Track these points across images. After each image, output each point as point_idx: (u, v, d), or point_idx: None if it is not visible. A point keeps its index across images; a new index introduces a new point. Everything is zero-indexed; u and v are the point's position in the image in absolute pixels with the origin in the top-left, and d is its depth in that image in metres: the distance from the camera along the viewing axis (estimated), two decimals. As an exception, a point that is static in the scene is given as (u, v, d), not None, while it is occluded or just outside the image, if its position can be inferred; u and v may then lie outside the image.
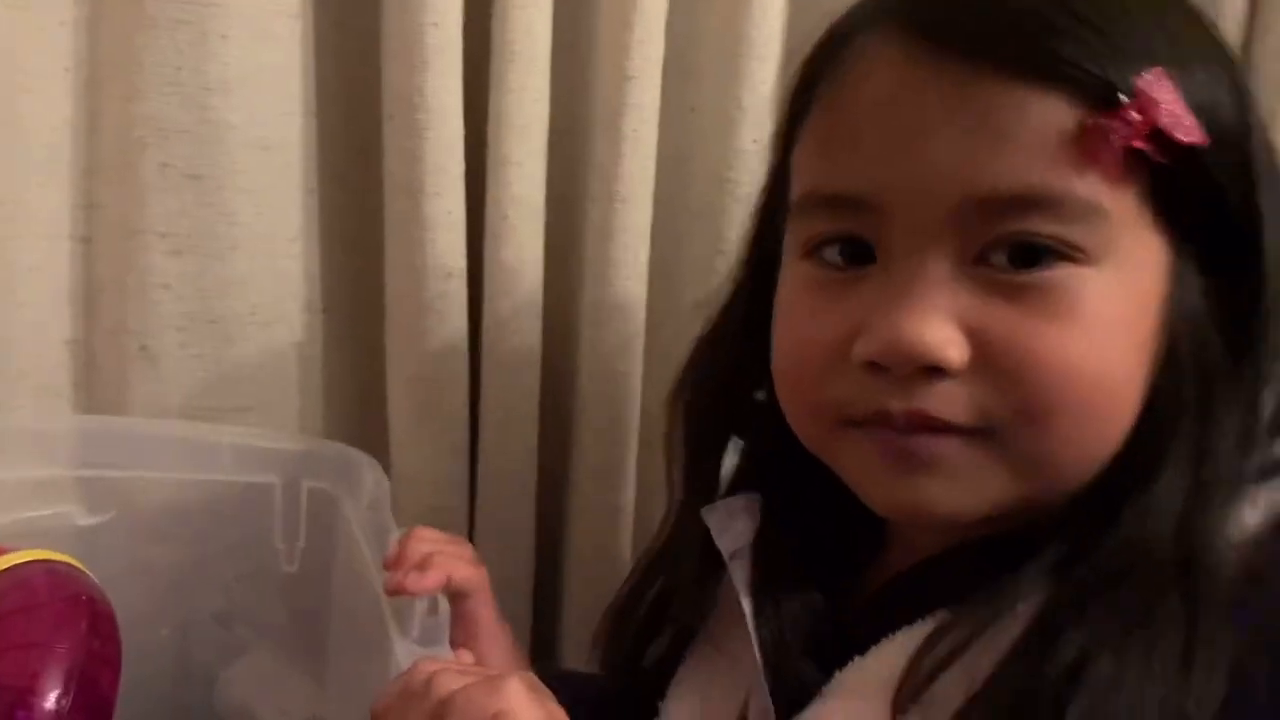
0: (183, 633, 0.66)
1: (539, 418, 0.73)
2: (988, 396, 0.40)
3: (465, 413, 0.71)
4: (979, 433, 0.40)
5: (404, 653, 0.45)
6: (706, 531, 0.49)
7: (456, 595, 0.50)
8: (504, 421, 0.72)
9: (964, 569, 0.42)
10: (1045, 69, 0.38)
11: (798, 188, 0.45)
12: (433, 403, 0.70)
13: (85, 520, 0.59)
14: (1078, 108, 0.38)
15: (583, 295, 0.73)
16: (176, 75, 0.64)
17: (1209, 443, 0.40)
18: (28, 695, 0.44)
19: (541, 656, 0.75)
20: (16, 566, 0.48)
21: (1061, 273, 0.39)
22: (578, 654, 0.73)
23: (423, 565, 0.48)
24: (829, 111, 0.43)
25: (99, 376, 0.69)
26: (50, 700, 0.44)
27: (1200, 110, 0.38)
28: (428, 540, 0.52)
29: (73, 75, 0.66)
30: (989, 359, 0.39)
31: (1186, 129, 0.38)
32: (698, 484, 0.53)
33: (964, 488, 0.41)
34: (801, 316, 0.44)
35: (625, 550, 0.75)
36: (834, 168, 0.42)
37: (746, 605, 0.45)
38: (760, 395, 0.50)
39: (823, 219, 0.43)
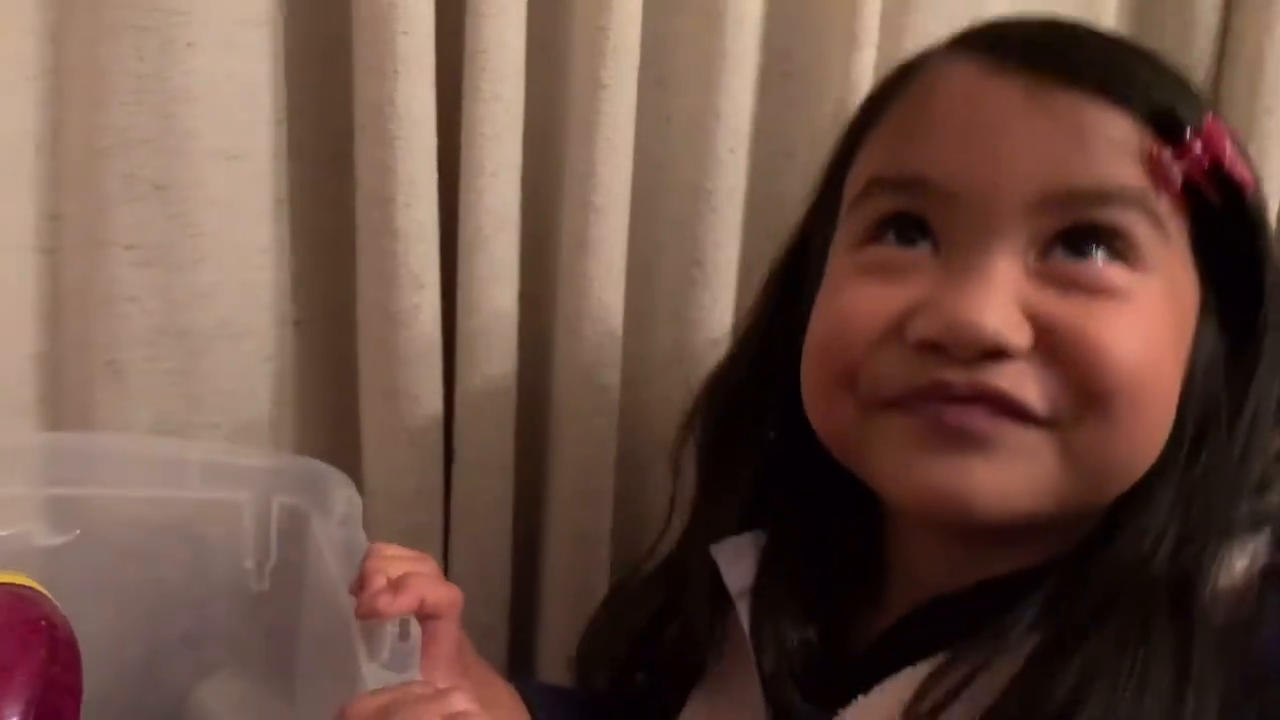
0: (151, 653, 0.65)
1: (514, 430, 0.72)
2: (1052, 382, 0.40)
3: (440, 426, 0.70)
4: (1042, 422, 0.41)
5: (372, 677, 0.44)
6: (714, 568, 0.49)
7: (427, 616, 0.49)
8: (479, 435, 0.71)
9: (969, 608, 0.43)
10: (1122, 88, 0.41)
11: (863, 176, 0.46)
12: (406, 416, 0.69)
13: (48, 540, 0.57)
14: (1148, 132, 0.41)
15: (558, 306, 0.72)
16: (141, 84, 0.63)
17: (1203, 483, 0.41)
18: (-15, 725, 0.42)
19: (518, 671, 0.74)
20: (-26, 591, 0.47)
21: (1117, 269, 0.42)
22: (554, 669, 0.73)
23: (396, 586, 0.47)
24: (904, 113, 0.45)
25: (65, 392, 0.67)
26: (10, 729, 0.42)
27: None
28: (393, 559, 0.50)
29: (36, 84, 0.64)
30: (1053, 345, 0.41)
31: (1243, 169, 0.42)
32: (709, 521, 0.53)
33: (1014, 474, 0.41)
34: (849, 294, 0.44)
35: (603, 563, 0.74)
36: (908, 153, 0.44)
37: (750, 644, 0.46)
38: (772, 434, 0.51)
39: (888, 199, 0.44)
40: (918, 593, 0.46)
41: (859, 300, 0.43)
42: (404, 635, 0.45)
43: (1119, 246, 0.41)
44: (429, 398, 0.69)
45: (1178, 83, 0.43)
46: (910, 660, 0.42)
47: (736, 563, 0.49)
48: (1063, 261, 0.41)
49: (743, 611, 0.47)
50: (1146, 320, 0.41)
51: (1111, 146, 0.41)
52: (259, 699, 0.65)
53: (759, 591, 0.48)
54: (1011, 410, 0.40)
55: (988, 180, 0.41)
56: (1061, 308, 0.41)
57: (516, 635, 0.76)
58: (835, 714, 0.43)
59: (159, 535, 0.62)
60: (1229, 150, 0.41)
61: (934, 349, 0.41)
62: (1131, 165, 0.41)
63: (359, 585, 0.48)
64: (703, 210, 0.71)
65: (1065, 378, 0.41)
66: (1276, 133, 0.85)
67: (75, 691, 0.46)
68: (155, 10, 0.62)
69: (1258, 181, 0.43)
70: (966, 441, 0.40)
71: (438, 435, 0.70)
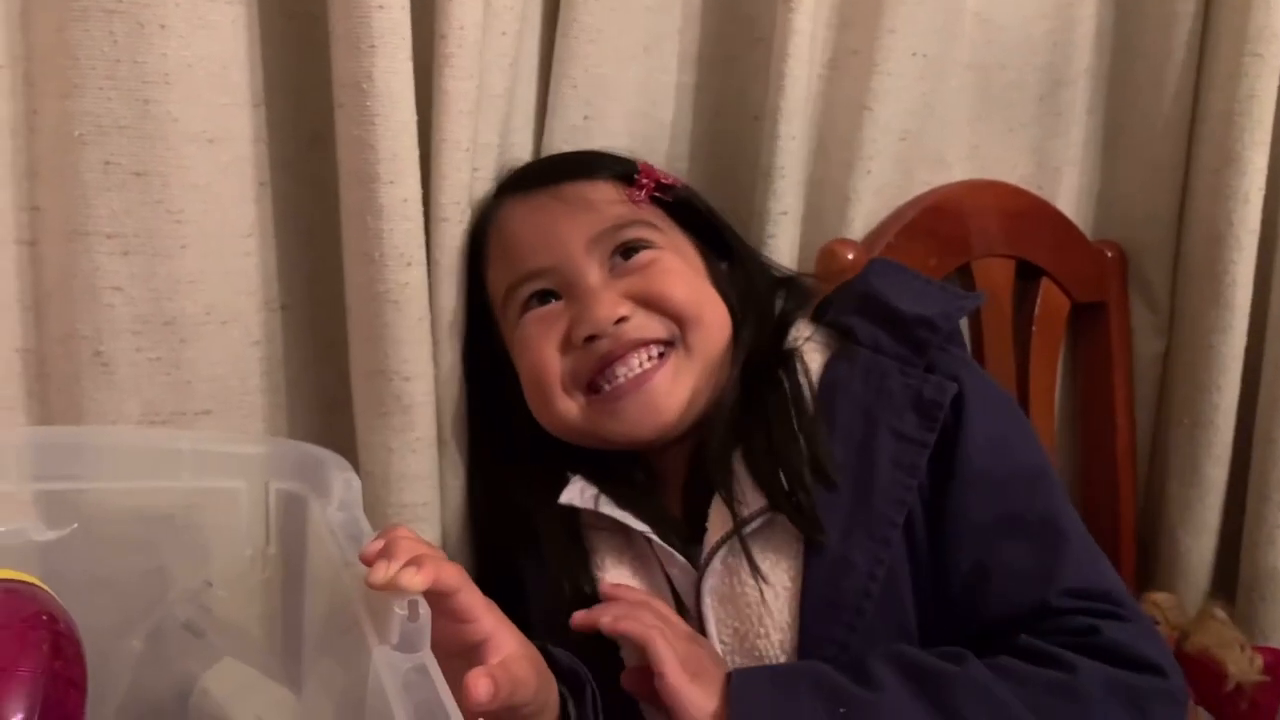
0: (154, 643, 0.64)
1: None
2: (657, 320, 0.67)
3: (431, 406, 0.70)
4: (668, 342, 0.67)
5: (383, 660, 0.43)
6: (565, 514, 0.67)
7: (441, 595, 0.49)
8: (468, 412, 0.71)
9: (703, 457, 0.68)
10: (595, 170, 0.71)
11: (501, 285, 0.70)
12: (396, 397, 0.68)
13: (44, 536, 0.57)
14: (618, 184, 0.70)
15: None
16: (114, 69, 0.62)
17: (750, 315, 0.71)
18: (-10, 721, 0.42)
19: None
20: (-26, 588, 0.46)
21: (650, 253, 0.69)
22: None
23: (415, 563, 0.47)
24: (498, 243, 0.70)
25: (52, 385, 0.67)
26: (15, 726, 0.42)
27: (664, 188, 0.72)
28: (412, 538, 0.50)
29: (6, 72, 0.63)
30: (644, 303, 0.67)
31: (671, 182, 0.72)
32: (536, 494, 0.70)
33: (677, 380, 0.67)
34: (536, 337, 0.68)
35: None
36: (516, 262, 0.69)
37: (625, 516, 0.66)
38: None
39: (524, 288, 0.69)
40: (675, 465, 0.70)
41: (543, 341, 0.67)
42: (413, 616, 0.45)
43: (642, 243, 0.69)
44: (419, 377, 0.69)
45: (616, 160, 0.72)
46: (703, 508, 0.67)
47: (575, 493, 0.68)
48: (622, 263, 0.68)
49: (603, 507, 0.67)
50: (677, 272, 0.69)
51: (608, 200, 0.69)
52: (264, 685, 0.65)
53: (605, 490, 0.68)
54: (650, 342, 0.67)
55: (561, 248, 0.68)
56: (635, 283, 0.67)
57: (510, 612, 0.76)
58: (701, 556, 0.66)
59: (156, 526, 0.61)
60: (657, 174, 0.71)
61: (591, 339, 0.66)
62: (622, 204, 0.69)
63: (378, 555, 0.48)
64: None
65: (660, 316, 0.67)
66: (1265, 74, 0.86)
67: (80, 685, 0.45)
68: (124, -8, 0.61)
69: (682, 183, 0.74)
70: (641, 379, 0.66)
71: (430, 414, 0.70)
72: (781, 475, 0.64)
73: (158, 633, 0.64)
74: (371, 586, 0.47)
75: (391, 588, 0.46)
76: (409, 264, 0.66)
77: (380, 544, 0.49)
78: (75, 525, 0.58)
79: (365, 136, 0.64)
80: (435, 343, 0.69)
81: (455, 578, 0.52)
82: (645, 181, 0.70)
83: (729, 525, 0.64)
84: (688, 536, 0.67)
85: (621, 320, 0.66)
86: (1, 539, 0.56)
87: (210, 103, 0.64)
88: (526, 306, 0.68)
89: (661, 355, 0.67)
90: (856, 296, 0.71)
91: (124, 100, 0.62)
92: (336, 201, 0.67)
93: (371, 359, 0.68)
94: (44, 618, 0.46)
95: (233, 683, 0.66)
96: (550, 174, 0.71)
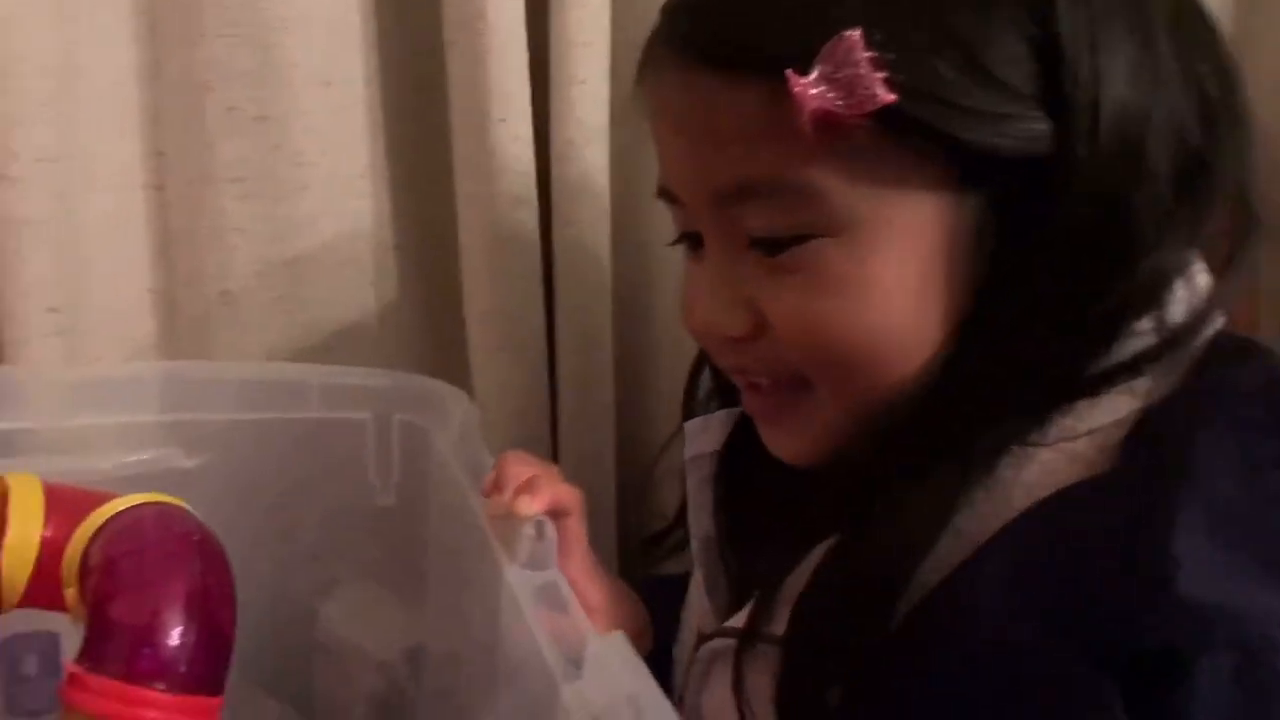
0: (281, 569, 0.67)
1: (614, 340, 0.73)
2: (789, 351, 0.43)
3: (543, 342, 0.71)
4: (804, 382, 0.44)
5: (515, 579, 0.45)
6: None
7: (557, 515, 0.51)
8: (581, 347, 0.72)
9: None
10: (732, 58, 0.40)
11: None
12: (510, 334, 0.70)
13: (184, 463, 0.60)
14: (772, 89, 0.39)
15: (655, 211, 0.72)
16: (237, 16, 0.63)
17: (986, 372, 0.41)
18: (150, 634, 0.44)
19: (626, 573, 0.75)
20: (128, 509, 0.49)
21: (804, 249, 0.41)
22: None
23: (528, 488, 0.48)
24: (651, 122, 0.47)
25: (182, 325, 0.70)
26: (173, 637, 0.44)
27: (907, 64, 0.38)
28: (524, 462, 0.52)
29: (133, 22, 0.65)
30: (775, 331, 0.43)
31: (865, 90, 0.37)
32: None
33: (800, 434, 0.46)
34: (687, 290, 0.48)
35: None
36: (662, 174, 0.47)
37: (704, 501, 0.51)
38: None
39: (673, 213, 0.48)
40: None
41: (691, 312, 0.47)
42: (540, 535, 0.46)
43: (790, 229, 0.41)
44: (531, 314, 0.70)
45: (793, 21, 0.39)
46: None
47: (702, 434, 0.53)
48: (762, 253, 0.43)
49: (690, 473, 0.52)
50: (861, 285, 0.41)
51: (742, 130, 0.40)
52: (385, 609, 0.68)
53: (722, 459, 0.52)
54: (773, 379, 0.45)
55: (683, 184, 0.45)
56: (774, 296, 0.43)
57: (624, 541, 0.77)
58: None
59: (283, 457, 0.64)
60: (842, 79, 0.37)
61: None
62: (767, 139, 0.40)
63: (494, 488, 0.49)
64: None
65: (788, 352, 0.43)
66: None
67: (230, 600, 0.48)
68: (245, -60, 0.63)
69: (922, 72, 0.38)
70: (763, 418, 0.47)
71: (542, 350, 0.71)
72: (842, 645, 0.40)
73: (283, 559, 0.68)
74: (491, 516, 0.49)
75: (509, 516, 0.48)
76: (520, 203, 0.67)
77: (495, 474, 0.51)
78: (211, 455, 0.61)
79: (478, 75, 0.64)
80: (552, 280, 0.70)
81: (569, 500, 0.53)
82: (809, 89, 0.37)
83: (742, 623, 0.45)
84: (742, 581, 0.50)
85: (736, 339, 0.45)
86: (146, 466, 0.59)
87: (327, 46, 0.66)
88: (683, 242, 0.49)
89: (791, 388, 0.45)
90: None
91: (246, 46, 0.64)
92: (448, 142, 0.68)
93: (484, 299, 0.69)
94: (195, 538, 0.49)
95: (355, 606, 0.69)
96: (687, 36, 0.43)
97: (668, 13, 0.45)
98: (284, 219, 0.68)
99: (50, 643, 0.60)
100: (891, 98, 0.38)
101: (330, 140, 0.68)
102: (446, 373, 0.73)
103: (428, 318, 0.75)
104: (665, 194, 0.47)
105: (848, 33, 0.37)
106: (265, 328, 0.69)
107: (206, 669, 0.44)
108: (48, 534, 0.47)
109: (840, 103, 0.37)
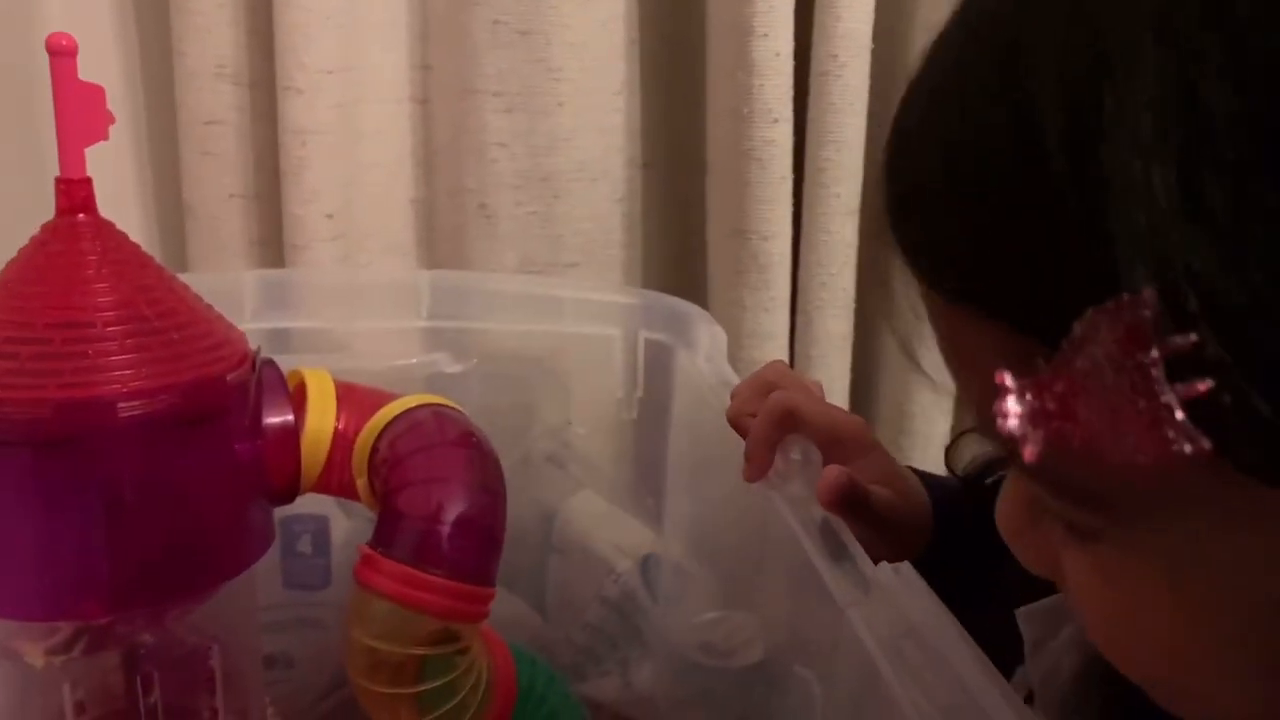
0: (521, 472, 0.70)
1: (857, 265, 0.72)
2: None
3: (788, 265, 0.70)
4: None
5: (781, 500, 0.45)
6: None
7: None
8: (824, 273, 0.71)
9: None
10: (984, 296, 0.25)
11: None
12: (754, 256, 0.69)
13: (450, 368, 0.63)
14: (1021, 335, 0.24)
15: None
16: (504, -71, 0.64)
17: None
18: (434, 524, 0.47)
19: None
20: (409, 410, 0.51)
21: (1073, 553, 0.28)
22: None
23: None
24: None
25: (440, 234, 0.73)
26: (455, 529, 0.47)
27: None
28: (787, 374, 0.50)
29: (405, -61, 0.67)
30: None
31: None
32: None
33: None
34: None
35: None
36: None
37: None
38: None
39: None
40: None
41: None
42: (807, 459, 0.46)
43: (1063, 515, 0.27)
44: (778, 236, 0.69)
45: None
46: None
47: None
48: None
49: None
50: (1105, 598, 0.28)
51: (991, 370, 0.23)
52: (621, 517, 0.70)
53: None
54: None
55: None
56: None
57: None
58: None
59: (533, 366, 0.66)
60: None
61: None
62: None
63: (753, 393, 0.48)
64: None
65: None
66: None
67: (501, 495, 0.50)
68: None
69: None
70: None
71: (785, 273, 0.71)
72: None
73: (525, 462, 0.70)
74: (748, 435, 0.48)
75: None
76: (776, 120, 0.66)
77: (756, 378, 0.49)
78: (474, 360, 0.64)
79: (740, -11, 0.63)
80: (800, 201, 0.69)
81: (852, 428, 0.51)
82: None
83: None
84: None
85: None
86: (416, 370, 0.62)
87: (590, -39, 0.66)
88: None
89: None
90: None
91: (513, -40, 0.65)
92: (702, 58, 0.68)
93: (731, 218, 0.69)
94: (470, 438, 0.51)
95: (591, 513, 0.71)
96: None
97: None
98: (543, 134, 0.69)
99: (322, 525, 0.65)
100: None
101: (590, 55, 0.68)
102: (689, 291, 0.73)
103: (672, 236, 0.75)
104: None
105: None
106: (519, 242, 0.71)
107: (481, 560, 0.47)
108: (340, 426, 0.50)
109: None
